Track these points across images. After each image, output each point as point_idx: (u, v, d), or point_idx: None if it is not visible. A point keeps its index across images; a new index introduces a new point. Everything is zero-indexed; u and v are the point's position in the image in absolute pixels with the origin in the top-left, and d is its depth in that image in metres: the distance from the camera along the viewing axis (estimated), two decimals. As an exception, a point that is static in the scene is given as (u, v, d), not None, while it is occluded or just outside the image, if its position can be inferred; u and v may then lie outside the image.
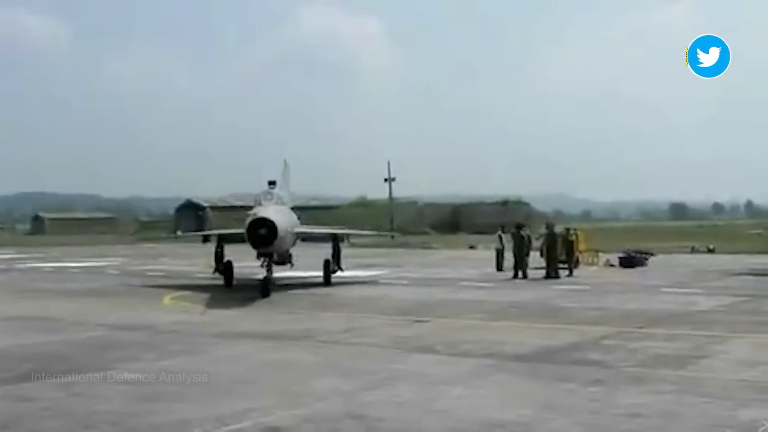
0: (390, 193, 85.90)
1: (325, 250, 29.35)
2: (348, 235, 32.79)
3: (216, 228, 54.50)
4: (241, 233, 25.57)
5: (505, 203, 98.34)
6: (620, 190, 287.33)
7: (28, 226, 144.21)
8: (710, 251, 46.95)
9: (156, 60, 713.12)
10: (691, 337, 14.64)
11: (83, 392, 10.41)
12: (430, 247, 60.21)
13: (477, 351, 13.38)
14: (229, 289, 26.02)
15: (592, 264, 35.45)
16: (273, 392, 10.32)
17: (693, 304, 20.36)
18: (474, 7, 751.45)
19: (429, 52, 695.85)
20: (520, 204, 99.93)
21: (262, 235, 22.27)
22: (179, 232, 75.12)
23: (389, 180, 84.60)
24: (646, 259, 35.98)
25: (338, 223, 58.54)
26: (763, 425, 8.48)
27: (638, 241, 48.75)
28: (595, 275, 30.63)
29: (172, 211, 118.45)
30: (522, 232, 30.39)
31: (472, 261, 40.61)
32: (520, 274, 29.17)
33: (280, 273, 25.35)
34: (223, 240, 30.03)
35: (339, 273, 28.65)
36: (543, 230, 32.21)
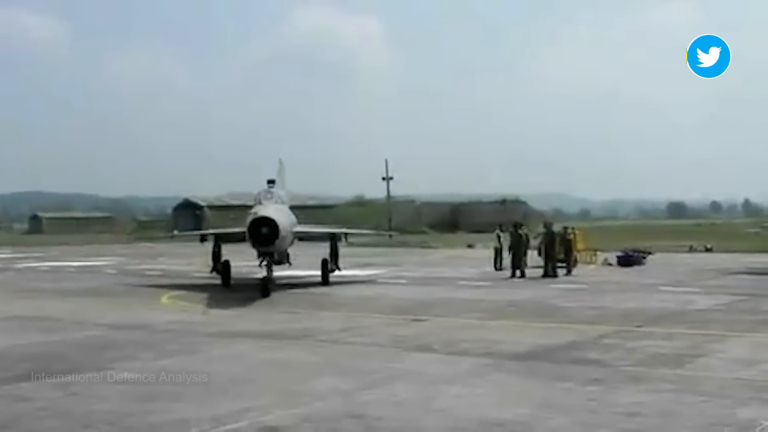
0: (388, 192, 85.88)
1: (323, 250, 29.33)
2: (346, 234, 32.71)
3: (214, 227, 54.53)
4: (238, 232, 25.53)
5: (503, 202, 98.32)
6: (619, 190, 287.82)
7: (25, 226, 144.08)
8: (708, 250, 46.93)
9: (154, 60, 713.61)
10: (689, 336, 14.64)
11: (81, 392, 10.40)
12: (428, 247, 60.17)
13: (475, 350, 13.37)
14: (226, 289, 25.99)
15: (590, 263, 35.44)
16: (271, 392, 10.31)
17: (691, 303, 20.36)
18: (473, 7, 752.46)
19: (427, 51, 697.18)
20: (518, 203, 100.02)
21: (264, 235, 22.21)
22: (175, 232, 75.00)
23: (387, 179, 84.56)
24: (644, 258, 35.96)
25: (336, 223, 58.55)
26: (761, 425, 8.48)
27: (636, 240, 48.73)
28: (593, 274, 30.64)
29: (170, 211, 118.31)
30: (520, 231, 30.39)
31: (471, 260, 40.60)
32: (518, 273, 29.17)
33: (277, 272, 25.31)
34: (220, 239, 29.99)
35: (337, 272, 28.62)
36: (541, 229, 32.20)
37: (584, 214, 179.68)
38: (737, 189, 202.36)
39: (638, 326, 16.11)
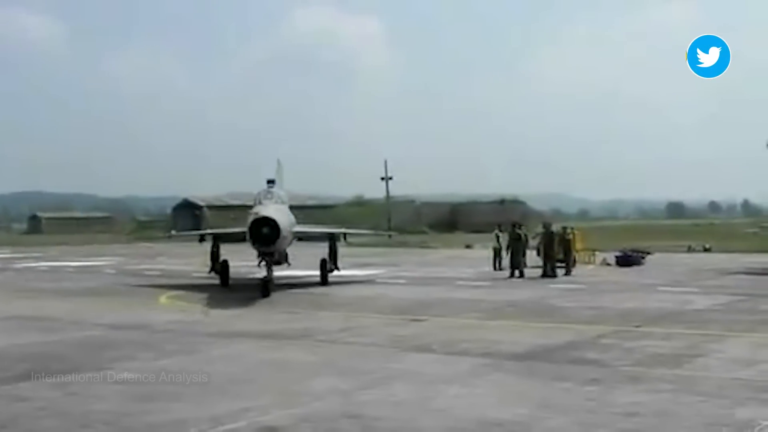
0: (387, 192, 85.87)
1: (322, 250, 29.34)
2: (345, 234, 32.71)
3: (213, 227, 54.52)
4: (237, 232, 25.51)
5: (502, 202, 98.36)
6: (618, 190, 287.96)
7: (24, 226, 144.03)
8: (706, 250, 46.98)
9: (153, 59, 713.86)
10: (687, 336, 14.65)
11: (79, 392, 10.40)
12: (427, 246, 60.20)
13: (474, 350, 13.38)
14: (225, 289, 25.97)
15: (589, 263, 35.46)
16: (270, 391, 10.31)
17: (689, 303, 20.38)
18: (472, 7, 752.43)
19: (427, 51, 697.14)
20: (517, 203, 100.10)
21: (265, 235, 22.16)
22: (173, 231, 74.99)
23: (386, 179, 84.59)
24: (643, 257, 35.98)
25: (335, 223, 58.56)
26: (760, 425, 8.49)
27: (635, 239, 48.76)
28: (592, 274, 30.65)
29: (169, 211, 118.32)
30: (519, 231, 30.40)
31: (469, 260, 40.62)
32: (516, 273, 29.19)
33: (276, 272, 25.28)
34: (218, 239, 29.99)
35: (336, 272, 28.63)
36: (540, 229, 32.21)
37: (583, 214, 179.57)
38: (736, 189, 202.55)
39: (637, 326, 16.12)
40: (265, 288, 22.55)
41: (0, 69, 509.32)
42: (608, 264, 35.05)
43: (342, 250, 30.97)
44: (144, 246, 66.93)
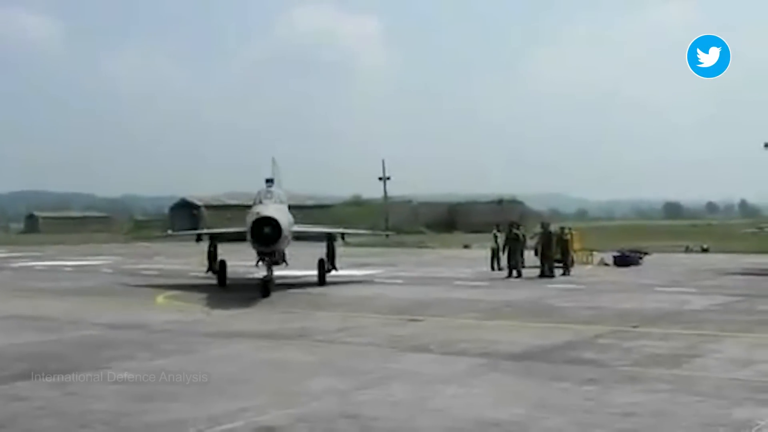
0: (385, 192, 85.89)
1: (320, 250, 29.32)
2: (343, 234, 32.70)
3: (210, 227, 54.52)
4: (234, 232, 25.45)
5: (500, 202, 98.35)
6: (616, 190, 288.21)
7: (21, 225, 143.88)
8: (704, 250, 47.02)
9: (152, 59, 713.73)
10: (685, 337, 14.66)
11: (78, 392, 10.39)
12: (425, 247, 60.21)
13: (472, 350, 13.38)
14: (222, 289, 25.95)
15: (587, 263, 35.48)
16: (267, 391, 10.31)
17: (687, 303, 20.40)
18: (471, 6, 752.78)
19: (426, 51, 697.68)
20: (515, 203, 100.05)
21: (267, 234, 22.07)
22: (170, 231, 75.00)
23: (384, 179, 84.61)
24: (641, 258, 36.02)
25: (333, 222, 58.62)
26: (757, 425, 8.50)
27: (633, 240, 48.82)
28: (590, 274, 30.67)
29: (167, 211, 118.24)
30: (516, 231, 30.41)
31: (467, 260, 40.63)
32: (514, 273, 29.20)
33: (275, 272, 25.25)
34: (215, 239, 29.95)
35: (334, 272, 28.62)
36: (538, 229, 32.22)
37: (581, 214, 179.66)
38: (734, 189, 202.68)
39: (634, 326, 16.13)
40: (265, 288, 22.49)
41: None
42: (606, 264, 35.07)
43: (340, 250, 30.97)
44: (141, 246, 66.83)
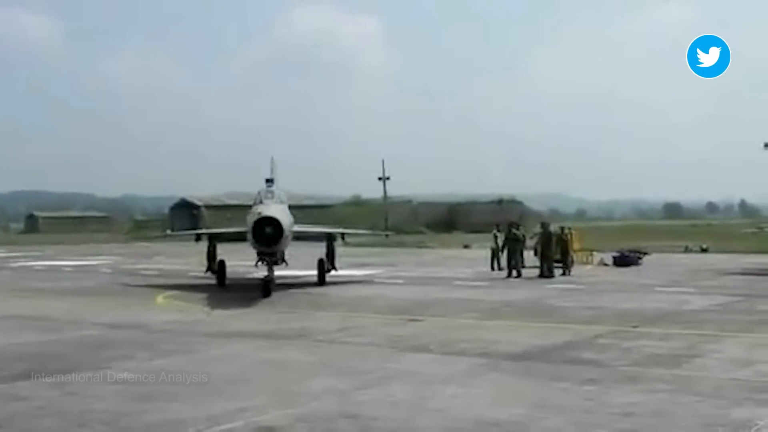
0: (384, 192, 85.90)
1: (320, 249, 29.32)
2: (343, 234, 32.68)
3: (210, 227, 54.49)
4: (233, 232, 25.41)
5: (499, 202, 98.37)
6: (615, 190, 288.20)
7: (21, 225, 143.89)
8: (704, 250, 46.99)
9: (151, 59, 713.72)
10: (684, 337, 14.66)
11: (77, 391, 10.39)
12: (424, 247, 60.19)
13: (471, 350, 13.38)
14: (222, 289, 25.94)
15: (587, 263, 35.47)
16: (267, 391, 10.31)
17: (687, 303, 20.39)
18: (471, 7, 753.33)
19: (426, 51, 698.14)
20: (514, 203, 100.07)
21: (268, 234, 22.01)
22: (168, 231, 75.03)
23: (383, 179, 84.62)
24: (640, 258, 35.99)
25: (333, 222, 58.61)
26: (756, 425, 8.50)
27: (632, 240, 48.77)
28: (590, 274, 30.65)
29: (167, 210, 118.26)
30: (516, 231, 30.42)
31: (467, 260, 40.62)
32: (514, 273, 29.20)
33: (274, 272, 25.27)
34: (214, 239, 29.92)
35: (333, 272, 28.61)
36: (538, 229, 32.21)
37: (581, 215, 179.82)
38: (733, 190, 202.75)
39: (634, 326, 16.12)
40: (266, 288, 22.43)
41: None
42: (606, 264, 35.06)
43: (339, 250, 30.97)
44: (141, 246, 66.82)
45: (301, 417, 9.00)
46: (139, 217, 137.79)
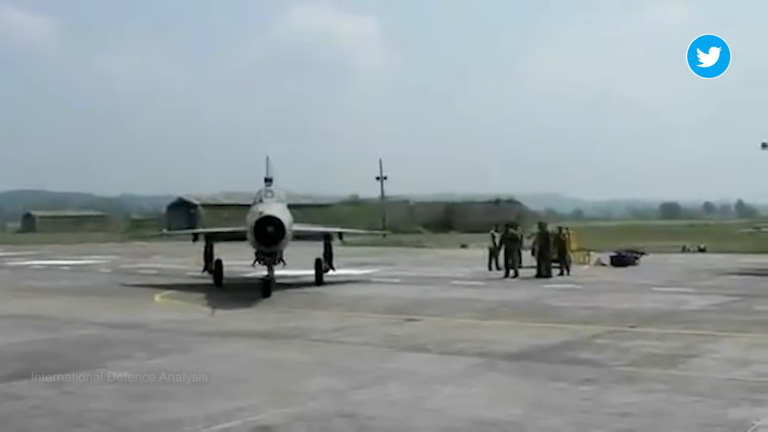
0: (382, 191, 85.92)
1: (317, 249, 29.31)
2: (340, 233, 32.66)
3: (208, 226, 54.45)
4: (230, 231, 25.37)
5: (497, 202, 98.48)
6: (612, 190, 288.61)
7: (19, 225, 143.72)
8: (701, 250, 47.03)
9: (149, 59, 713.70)
10: (682, 337, 14.67)
11: (74, 391, 10.39)
12: (422, 246, 60.19)
13: (469, 350, 13.38)
14: (219, 288, 25.91)
15: (584, 263, 35.48)
16: (264, 391, 10.31)
17: (684, 303, 20.40)
18: (469, 7, 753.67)
19: (423, 51, 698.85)
20: (512, 203, 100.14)
21: (270, 234, 21.93)
22: (165, 230, 74.94)
23: (381, 178, 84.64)
24: (638, 258, 36.01)
25: (330, 222, 58.56)
26: (753, 425, 8.52)
27: (629, 240, 48.81)
28: (587, 274, 30.66)
29: (164, 210, 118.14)
30: (513, 231, 30.42)
31: (464, 260, 40.61)
32: (511, 273, 29.21)
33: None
34: (211, 239, 29.87)
35: (331, 272, 28.59)
36: (535, 229, 32.22)
37: (577, 215, 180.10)
38: (730, 190, 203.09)
39: (631, 326, 16.13)
40: (266, 288, 22.34)
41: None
42: (603, 264, 35.06)
43: (337, 249, 30.96)
44: (138, 245, 66.78)
45: (299, 416, 9.00)
46: (136, 217, 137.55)
